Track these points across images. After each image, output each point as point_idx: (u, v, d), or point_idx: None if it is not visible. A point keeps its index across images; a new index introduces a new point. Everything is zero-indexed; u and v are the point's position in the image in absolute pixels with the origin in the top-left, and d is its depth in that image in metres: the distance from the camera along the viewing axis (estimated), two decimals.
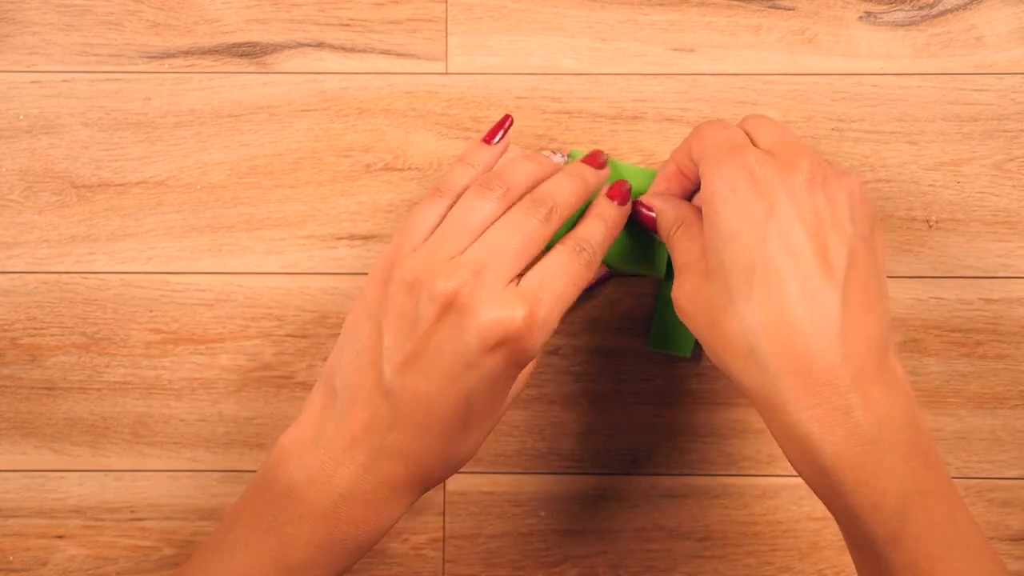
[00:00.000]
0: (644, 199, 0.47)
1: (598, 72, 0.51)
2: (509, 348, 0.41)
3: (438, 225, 0.44)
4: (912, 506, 0.39)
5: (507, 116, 0.47)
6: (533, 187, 0.44)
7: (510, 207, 0.43)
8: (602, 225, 0.45)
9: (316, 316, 0.51)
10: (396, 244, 0.44)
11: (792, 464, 0.41)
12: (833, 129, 0.51)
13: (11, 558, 0.52)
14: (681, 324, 0.50)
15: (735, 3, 0.52)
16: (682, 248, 0.44)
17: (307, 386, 0.52)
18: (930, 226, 0.51)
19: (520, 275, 0.42)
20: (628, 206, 0.46)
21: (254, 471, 0.52)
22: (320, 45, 0.52)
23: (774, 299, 0.40)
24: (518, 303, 0.41)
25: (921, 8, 0.51)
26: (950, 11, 0.51)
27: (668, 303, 0.50)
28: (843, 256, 0.40)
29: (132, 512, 0.52)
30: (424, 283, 0.41)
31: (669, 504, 0.52)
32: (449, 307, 0.41)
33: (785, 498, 0.52)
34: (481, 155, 0.46)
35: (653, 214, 0.46)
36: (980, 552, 0.40)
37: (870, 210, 0.43)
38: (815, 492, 0.41)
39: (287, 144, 0.52)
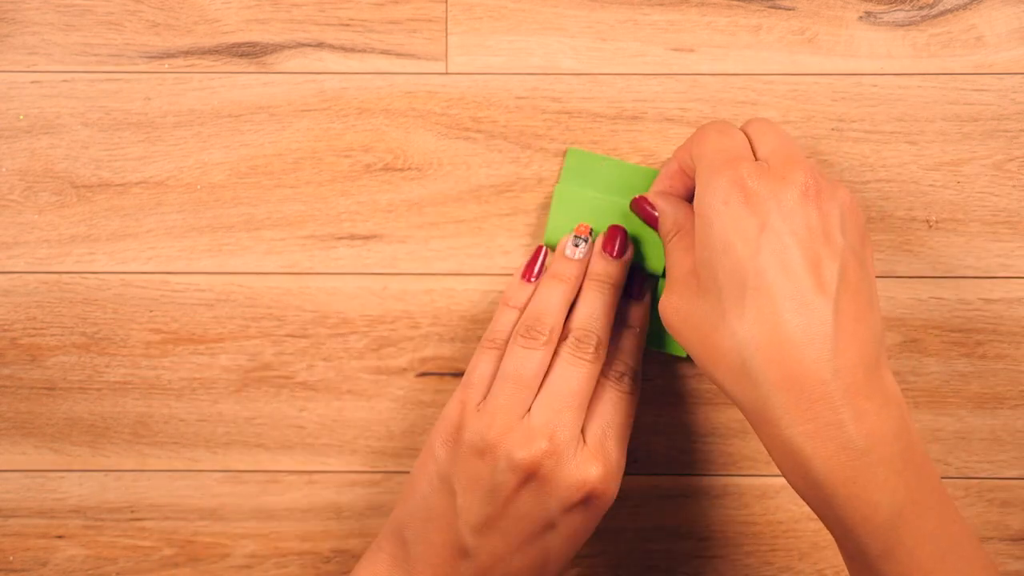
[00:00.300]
0: (649, 197, 0.47)
1: (598, 72, 0.51)
2: (590, 503, 0.44)
3: (494, 376, 0.46)
4: (905, 519, 0.39)
5: (539, 248, 0.49)
6: (568, 310, 0.47)
7: (557, 347, 0.46)
8: (632, 337, 0.48)
9: (316, 316, 0.51)
10: (459, 400, 0.46)
11: (785, 477, 0.41)
12: (833, 129, 0.51)
13: (11, 558, 0.52)
14: None
15: (735, 3, 0.52)
16: (674, 259, 0.45)
17: (307, 386, 0.52)
18: (930, 226, 0.51)
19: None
20: (629, 254, 0.48)
21: (254, 471, 0.52)
22: (320, 45, 0.52)
23: (767, 314, 0.40)
24: (592, 462, 0.44)
25: (921, 8, 0.51)
26: (950, 11, 0.51)
27: None
28: (835, 271, 0.40)
29: (132, 512, 0.52)
30: (497, 449, 0.43)
31: (669, 504, 0.52)
32: (530, 478, 0.43)
33: (785, 498, 0.52)
34: (522, 295, 0.48)
35: (657, 213, 0.47)
36: (974, 563, 0.40)
37: (860, 222, 0.43)
38: (809, 505, 0.41)
39: (287, 144, 0.52)
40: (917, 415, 0.52)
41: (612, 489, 0.44)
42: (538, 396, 0.45)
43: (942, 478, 0.52)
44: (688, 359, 0.52)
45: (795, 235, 0.40)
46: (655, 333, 0.51)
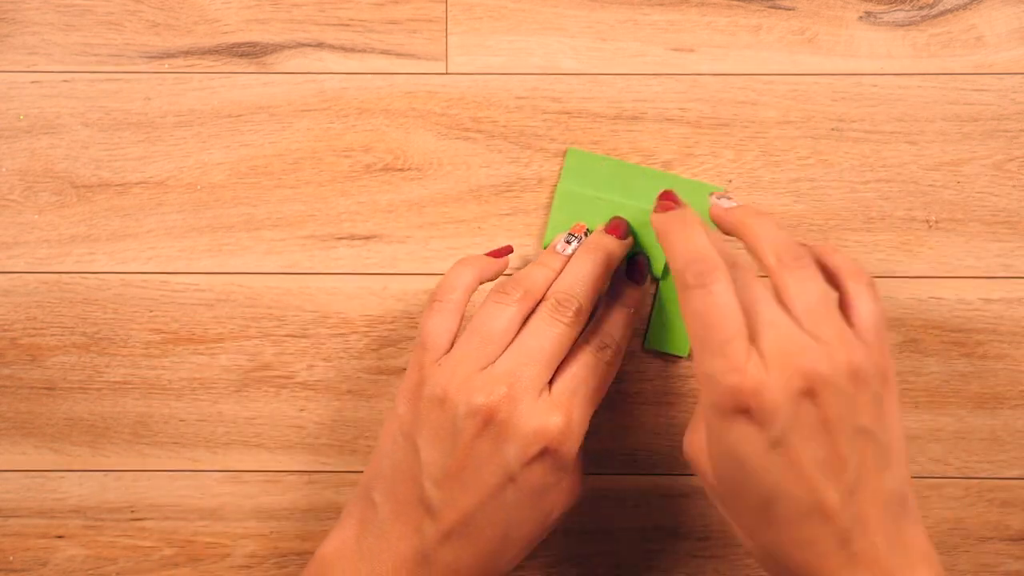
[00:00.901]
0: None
1: (598, 72, 0.51)
2: (548, 456, 0.42)
3: (455, 332, 0.44)
4: None
5: (508, 247, 0.49)
6: (549, 287, 0.45)
7: (531, 310, 0.44)
8: (624, 314, 0.47)
9: (316, 316, 0.51)
10: (417, 358, 0.44)
11: None
12: (833, 129, 0.51)
13: (11, 558, 0.52)
14: (678, 323, 0.50)
15: (735, 3, 0.52)
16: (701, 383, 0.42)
17: (307, 386, 0.52)
18: (930, 226, 0.51)
19: (551, 379, 0.44)
20: (630, 240, 0.48)
21: (254, 471, 0.52)
22: (320, 45, 0.52)
23: (790, 520, 0.39)
24: (554, 412, 0.42)
25: (921, 8, 0.51)
26: (950, 11, 0.51)
27: (665, 303, 0.50)
28: (854, 466, 0.39)
29: (132, 512, 0.52)
30: (457, 397, 0.42)
31: (669, 504, 0.52)
32: (488, 422, 0.42)
33: None
34: (480, 259, 0.47)
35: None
36: None
37: (888, 375, 0.41)
38: None
39: (287, 144, 0.52)
40: (917, 415, 0.52)
41: (569, 445, 0.43)
42: (505, 351, 0.43)
43: (942, 478, 0.52)
44: (688, 358, 0.52)
45: (814, 440, 0.39)
46: (656, 333, 0.51)
